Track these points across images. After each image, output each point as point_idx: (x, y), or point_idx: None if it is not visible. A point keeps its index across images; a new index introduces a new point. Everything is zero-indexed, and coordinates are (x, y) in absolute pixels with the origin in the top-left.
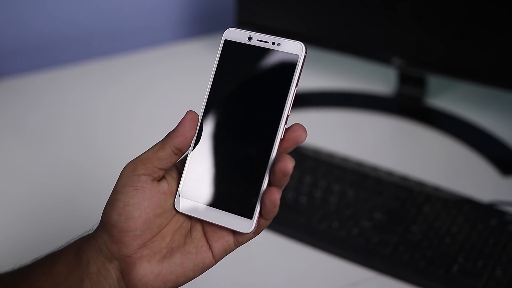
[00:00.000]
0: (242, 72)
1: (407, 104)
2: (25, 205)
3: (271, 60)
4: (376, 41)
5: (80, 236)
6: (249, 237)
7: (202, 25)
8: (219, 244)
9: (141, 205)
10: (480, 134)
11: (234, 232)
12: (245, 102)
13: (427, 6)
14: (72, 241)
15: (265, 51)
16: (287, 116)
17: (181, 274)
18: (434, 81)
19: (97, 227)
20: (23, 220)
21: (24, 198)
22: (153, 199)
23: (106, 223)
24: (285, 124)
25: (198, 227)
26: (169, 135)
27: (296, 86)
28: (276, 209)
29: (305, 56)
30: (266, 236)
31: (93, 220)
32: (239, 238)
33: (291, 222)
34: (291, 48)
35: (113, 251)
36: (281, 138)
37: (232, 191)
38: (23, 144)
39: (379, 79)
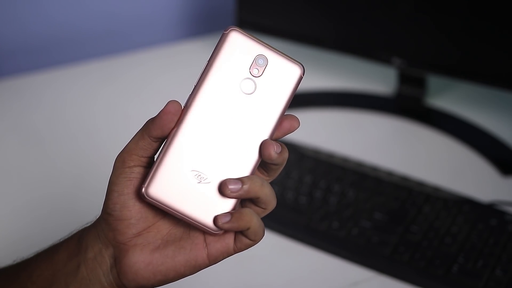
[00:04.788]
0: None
1: (407, 104)
2: (25, 204)
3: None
4: (376, 41)
5: (83, 226)
6: (249, 244)
7: (202, 25)
8: (218, 245)
9: (136, 194)
10: (480, 134)
11: (235, 237)
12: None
13: (427, 6)
14: (74, 231)
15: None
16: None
17: (172, 267)
18: (434, 81)
19: (98, 216)
20: (23, 219)
21: (24, 197)
22: None
23: (104, 212)
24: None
25: None
26: (147, 125)
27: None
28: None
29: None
30: (266, 236)
31: (92, 219)
32: (239, 243)
33: (291, 222)
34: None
35: (109, 237)
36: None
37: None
38: (22, 144)
39: (379, 79)
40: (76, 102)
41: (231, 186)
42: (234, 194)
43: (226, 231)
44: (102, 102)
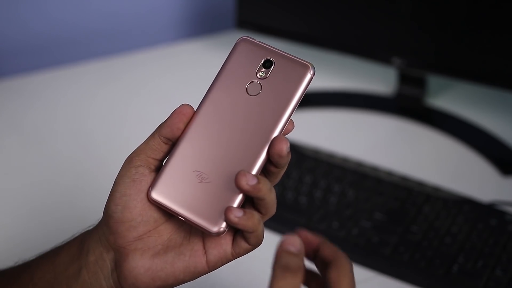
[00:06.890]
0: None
1: (407, 104)
2: (24, 204)
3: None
4: (376, 41)
5: (85, 229)
6: (247, 249)
7: (202, 25)
8: (215, 251)
9: (138, 195)
10: (480, 134)
11: (232, 242)
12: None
13: (428, 6)
14: (77, 234)
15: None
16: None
17: (171, 273)
18: (434, 81)
19: (100, 219)
20: (22, 219)
21: (23, 197)
22: None
23: (105, 214)
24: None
25: (198, 232)
26: (159, 125)
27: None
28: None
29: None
30: (266, 236)
31: (91, 219)
32: (237, 248)
33: (291, 222)
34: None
35: (110, 241)
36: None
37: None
38: (22, 144)
39: (379, 79)
40: (76, 102)
41: (248, 178)
42: (247, 187)
43: (229, 227)
44: (102, 102)
